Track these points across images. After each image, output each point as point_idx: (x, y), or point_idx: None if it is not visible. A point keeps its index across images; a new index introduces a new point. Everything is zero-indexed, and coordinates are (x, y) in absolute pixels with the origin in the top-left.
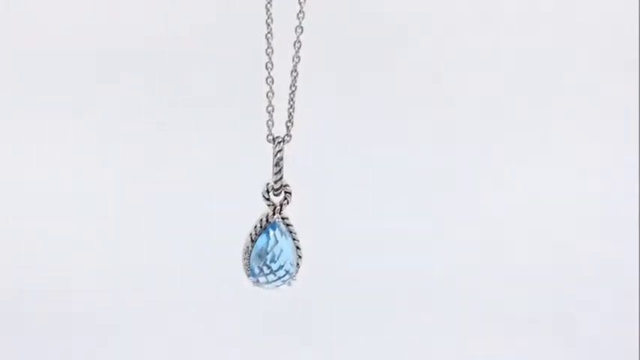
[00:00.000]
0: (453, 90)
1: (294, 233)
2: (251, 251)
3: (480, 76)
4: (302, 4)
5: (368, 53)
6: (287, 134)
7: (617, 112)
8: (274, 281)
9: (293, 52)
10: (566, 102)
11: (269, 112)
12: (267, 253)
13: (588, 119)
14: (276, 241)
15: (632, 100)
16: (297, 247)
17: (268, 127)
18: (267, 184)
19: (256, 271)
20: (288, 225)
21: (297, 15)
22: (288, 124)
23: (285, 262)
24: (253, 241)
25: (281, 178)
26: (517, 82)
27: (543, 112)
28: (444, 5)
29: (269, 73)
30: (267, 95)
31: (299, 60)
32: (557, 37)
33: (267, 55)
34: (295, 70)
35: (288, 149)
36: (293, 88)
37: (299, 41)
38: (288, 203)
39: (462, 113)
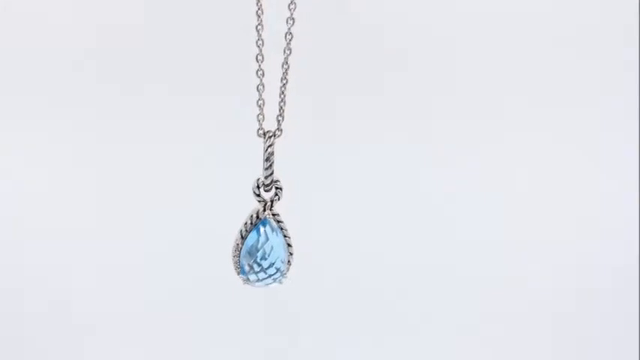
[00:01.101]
0: (448, 88)
1: (285, 230)
2: (241, 248)
3: (477, 75)
4: None
5: (362, 47)
6: (278, 128)
7: (617, 112)
8: (265, 279)
9: (284, 44)
10: (566, 102)
11: (259, 106)
12: (258, 251)
13: (588, 119)
14: (267, 238)
15: (632, 99)
16: (289, 245)
17: (259, 121)
18: (258, 179)
19: (246, 268)
20: (279, 221)
21: (289, 6)
22: (279, 118)
23: (275, 260)
24: (243, 238)
25: (272, 173)
26: (515, 83)
27: (542, 112)
28: (440, 6)
29: (259, 65)
30: (257, 88)
31: (290, 52)
32: (557, 38)
33: (258, 47)
34: (286, 63)
35: (278, 144)
36: (284, 81)
37: (290, 33)
38: (279, 199)
39: (458, 112)
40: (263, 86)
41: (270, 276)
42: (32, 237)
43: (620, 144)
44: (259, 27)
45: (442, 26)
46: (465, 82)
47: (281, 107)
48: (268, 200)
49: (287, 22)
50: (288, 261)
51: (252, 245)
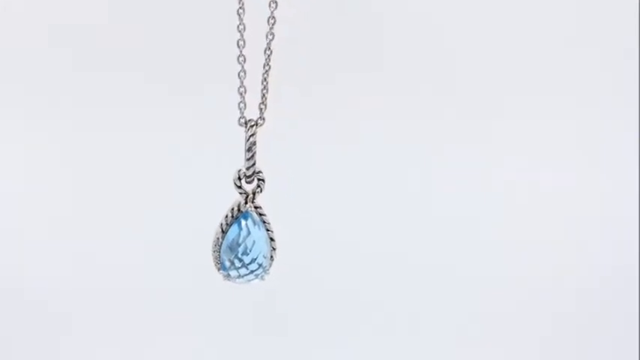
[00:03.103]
0: (447, 87)
1: (268, 223)
2: (221, 243)
3: (477, 74)
4: None
5: (350, 35)
6: (260, 117)
7: (617, 112)
8: (246, 275)
9: (267, 28)
10: (566, 102)
11: (241, 94)
12: (239, 245)
13: (588, 119)
14: (249, 232)
15: (632, 99)
16: (271, 239)
17: (240, 109)
18: (239, 170)
19: (227, 264)
20: (261, 214)
21: None
22: (262, 106)
23: (258, 255)
24: (224, 232)
25: (254, 164)
26: (516, 83)
27: (542, 112)
28: (439, 6)
29: (241, 51)
30: (238, 75)
31: (273, 37)
32: (558, 37)
33: (239, 32)
34: (269, 49)
35: (261, 133)
36: (267, 68)
37: (273, 17)
38: (261, 191)
39: (458, 111)
40: (245, 73)
41: (251, 272)
42: (31, 237)
43: (620, 144)
44: (241, 10)
45: (442, 25)
46: (465, 81)
47: (264, 95)
48: (250, 192)
49: (270, 5)
50: (271, 256)
51: (233, 240)
